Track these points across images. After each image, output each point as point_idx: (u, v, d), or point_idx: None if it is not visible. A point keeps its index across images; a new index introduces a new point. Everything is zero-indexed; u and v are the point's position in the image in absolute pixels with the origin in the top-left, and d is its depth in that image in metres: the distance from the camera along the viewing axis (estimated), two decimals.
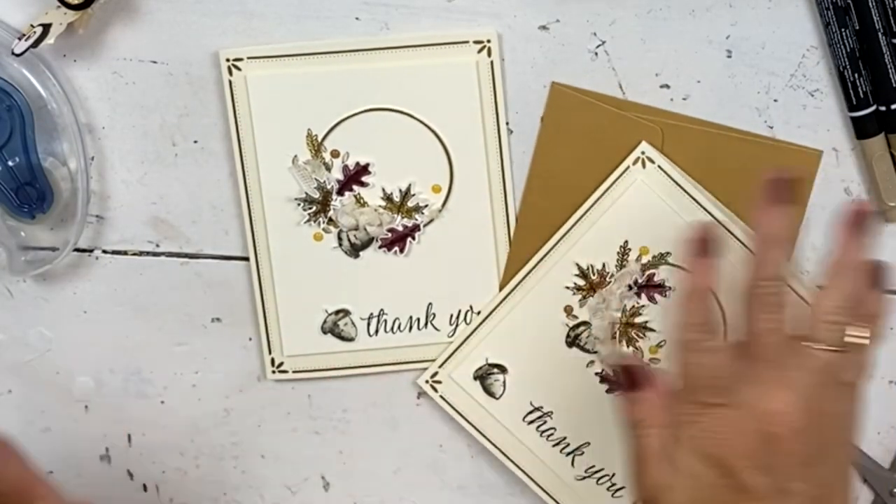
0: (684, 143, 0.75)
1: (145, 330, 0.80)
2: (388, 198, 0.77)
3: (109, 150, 0.77)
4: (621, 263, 0.76)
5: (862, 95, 0.73)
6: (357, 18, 0.74)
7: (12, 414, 0.82)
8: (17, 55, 0.71)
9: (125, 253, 0.79)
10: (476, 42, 0.74)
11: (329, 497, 0.83)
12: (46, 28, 0.71)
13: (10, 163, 0.75)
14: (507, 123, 0.76)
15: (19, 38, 0.72)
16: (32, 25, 0.72)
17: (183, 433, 0.82)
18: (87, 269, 0.79)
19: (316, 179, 0.76)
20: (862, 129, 0.74)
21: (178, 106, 0.76)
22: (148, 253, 0.79)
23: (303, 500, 0.83)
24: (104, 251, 0.79)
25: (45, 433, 0.83)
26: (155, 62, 0.75)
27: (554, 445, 0.79)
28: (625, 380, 0.68)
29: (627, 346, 0.77)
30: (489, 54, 0.74)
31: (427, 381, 0.79)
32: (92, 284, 0.80)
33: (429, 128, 0.75)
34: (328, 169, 0.76)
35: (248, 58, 0.75)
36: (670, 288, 0.77)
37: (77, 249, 0.78)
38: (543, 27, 0.74)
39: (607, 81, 0.75)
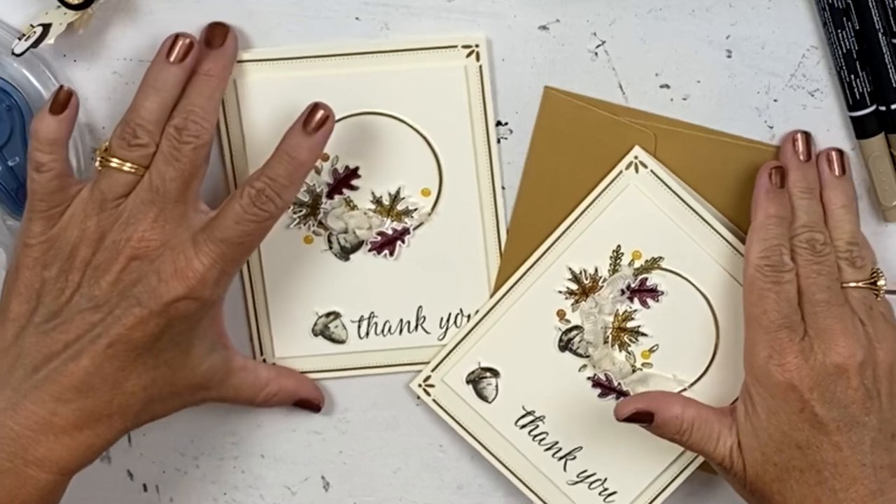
0: (677, 147, 0.75)
1: None
2: (377, 201, 0.77)
3: None
4: (614, 268, 0.76)
5: (858, 96, 0.73)
6: (357, 18, 0.74)
7: None
8: (17, 55, 0.71)
9: None
10: (465, 46, 0.74)
11: (329, 497, 0.83)
12: (46, 28, 0.71)
13: (10, 163, 0.75)
14: (507, 123, 0.76)
15: (19, 38, 0.72)
16: (32, 25, 0.72)
17: (183, 433, 0.82)
18: None
19: (305, 183, 0.76)
20: (861, 129, 0.74)
21: None
22: None
23: (303, 500, 0.83)
24: None
25: None
26: None
27: (546, 450, 0.79)
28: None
29: (620, 351, 0.77)
30: (478, 58, 0.74)
31: (420, 385, 0.79)
32: None
33: (418, 132, 0.75)
34: (318, 172, 0.76)
35: (238, 62, 0.75)
36: (662, 292, 0.77)
37: None
38: (543, 27, 0.74)
39: (607, 81, 0.75)
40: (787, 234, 0.72)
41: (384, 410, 0.81)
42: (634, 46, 0.74)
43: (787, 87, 0.75)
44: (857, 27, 0.72)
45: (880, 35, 0.72)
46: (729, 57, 0.74)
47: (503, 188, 0.76)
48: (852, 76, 0.73)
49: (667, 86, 0.75)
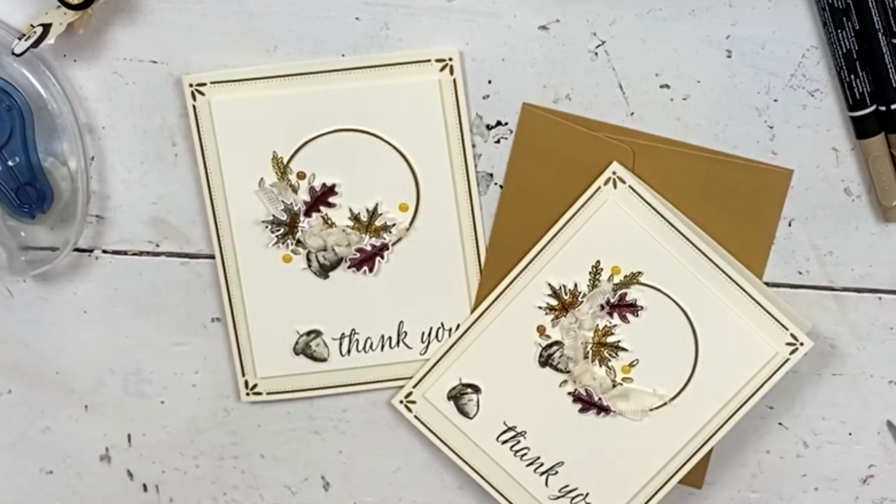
0: (655, 163, 0.75)
1: (145, 330, 0.80)
2: (355, 217, 0.77)
3: (109, 150, 0.77)
4: (593, 283, 0.76)
5: (858, 97, 0.73)
6: (357, 18, 0.74)
7: (12, 414, 0.82)
8: (17, 55, 0.71)
9: (125, 253, 0.79)
10: (438, 60, 0.74)
11: (329, 497, 0.83)
12: (46, 28, 0.71)
13: (10, 163, 0.75)
14: (507, 124, 0.76)
15: (19, 38, 0.72)
16: (32, 25, 0.72)
17: (183, 433, 0.82)
18: (87, 269, 0.79)
19: (283, 202, 0.76)
20: (861, 129, 0.74)
21: (179, 106, 0.76)
22: (148, 253, 0.79)
23: (303, 500, 0.83)
24: (104, 251, 0.79)
25: (45, 433, 0.83)
26: (155, 62, 0.75)
27: (528, 465, 0.79)
28: None
29: (600, 366, 0.77)
30: (451, 72, 0.74)
31: (401, 402, 0.79)
32: (92, 284, 0.80)
33: (394, 147, 0.75)
34: (295, 191, 0.76)
35: (212, 82, 0.75)
36: (642, 307, 0.77)
37: (77, 249, 0.78)
38: (543, 27, 0.74)
39: (607, 81, 0.75)
40: None
41: (384, 410, 0.81)
42: (634, 46, 0.74)
43: (787, 87, 0.75)
44: (857, 27, 0.72)
45: (880, 35, 0.72)
46: (729, 57, 0.74)
47: (501, 187, 0.76)
48: (852, 76, 0.73)
49: (667, 86, 0.75)
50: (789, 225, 0.77)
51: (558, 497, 0.79)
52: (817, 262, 0.77)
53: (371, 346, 0.78)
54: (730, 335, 0.75)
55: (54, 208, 0.77)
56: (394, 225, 0.77)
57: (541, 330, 0.77)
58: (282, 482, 0.83)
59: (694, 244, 0.75)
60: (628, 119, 0.75)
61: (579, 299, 0.77)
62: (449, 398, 0.79)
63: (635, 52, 0.74)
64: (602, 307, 0.77)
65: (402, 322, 0.78)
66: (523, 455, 0.79)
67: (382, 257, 0.77)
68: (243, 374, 0.79)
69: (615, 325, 0.77)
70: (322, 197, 0.76)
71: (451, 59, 0.74)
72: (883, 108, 0.73)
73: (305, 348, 0.78)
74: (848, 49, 0.72)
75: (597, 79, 0.75)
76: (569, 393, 0.78)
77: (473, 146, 0.76)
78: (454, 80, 0.75)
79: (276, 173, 0.76)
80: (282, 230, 0.77)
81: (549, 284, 0.77)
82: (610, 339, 0.77)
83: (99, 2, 0.72)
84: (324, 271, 0.77)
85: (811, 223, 0.76)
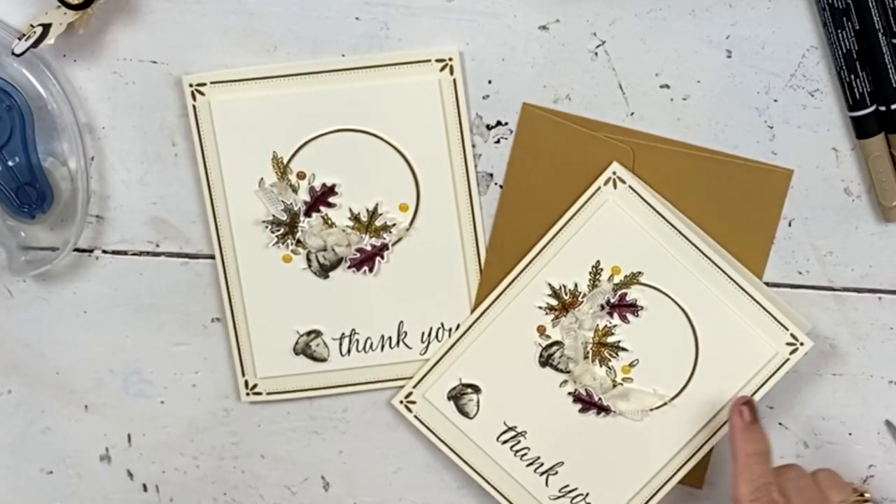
0: (655, 163, 0.75)
1: (145, 330, 0.80)
2: (355, 218, 0.77)
3: (109, 150, 0.77)
4: (593, 283, 0.76)
5: (858, 97, 0.73)
6: (357, 18, 0.74)
7: (12, 414, 0.82)
8: (17, 55, 0.71)
9: (125, 253, 0.79)
10: (438, 60, 0.74)
11: (329, 497, 0.83)
12: (46, 28, 0.71)
13: (10, 163, 0.75)
14: (507, 124, 0.76)
15: (19, 38, 0.72)
16: (32, 25, 0.72)
17: (183, 433, 0.82)
18: (87, 269, 0.79)
19: (283, 202, 0.76)
20: (861, 129, 0.74)
21: (179, 106, 0.76)
22: (148, 253, 0.79)
23: (303, 500, 0.83)
24: (104, 251, 0.79)
25: (45, 433, 0.83)
26: (155, 62, 0.75)
27: (528, 465, 0.79)
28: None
29: (600, 366, 0.77)
30: (451, 72, 0.74)
31: (401, 402, 0.79)
32: (92, 284, 0.80)
33: (394, 147, 0.75)
34: (295, 191, 0.76)
35: (212, 82, 0.75)
36: (642, 307, 0.77)
37: (77, 249, 0.78)
38: (543, 27, 0.74)
39: (607, 81, 0.75)
40: (771, 468, 0.72)
41: (384, 410, 0.81)
42: (634, 46, 0.74)
43: (787, 87, 0.75)
44: (857, 27, 0.72)
45: (880, 35, 0.72)
46: (729, 57, 0.74)
47: (501, 187, 0.76)
48: (852, 76, 0.73)
49: (667, 86, 0.75)
50: (789, 225, 0.77)
51: (558, 497, 0.79)
52: (817, 262, 0.77)
53: (371, 346, 0.78)
54: (730, 335, 0.76)
55: (54, 208, 0.77)
56: (394, 225, 0.77)
57: (541, 330, 0.77)
58: (282, 482, 0.83)
59: (694, 244, 0.75)
60: (628, 119, 0.76)
61: (579, 299, 0.77)
62: (449, 398, 0.79)
63: (635, 52, 0.74)
64: (602, 307, 0.77)
65: (402, 322, 0.78)
66: (523, 455, 0.79)
67: (382, 257, 0.77)
68: (243, 374, 0.79)
69: (615, 325, 0.77)
70: (322, 197, 0.76)
71: (451, 59, 0.74)
72: (883, 108, 0.73)
73: (305, 348, 0.78)
74: (848, 49, 0.72)
75: (597, 79, 0.75)
76: (569, 393, 0.78)
77: (473, 146, 0.76)
78: (454, 80, 0.75)
79: (276, 173, 0.76)
80: (282, 230, 0.77)
81: (549, 284, 0.77)
82: (610, 339, 0.77)
83: (99, 2, 0.72)
84: (324, 271, 0.77)
85: (811, 223, 0.76)
